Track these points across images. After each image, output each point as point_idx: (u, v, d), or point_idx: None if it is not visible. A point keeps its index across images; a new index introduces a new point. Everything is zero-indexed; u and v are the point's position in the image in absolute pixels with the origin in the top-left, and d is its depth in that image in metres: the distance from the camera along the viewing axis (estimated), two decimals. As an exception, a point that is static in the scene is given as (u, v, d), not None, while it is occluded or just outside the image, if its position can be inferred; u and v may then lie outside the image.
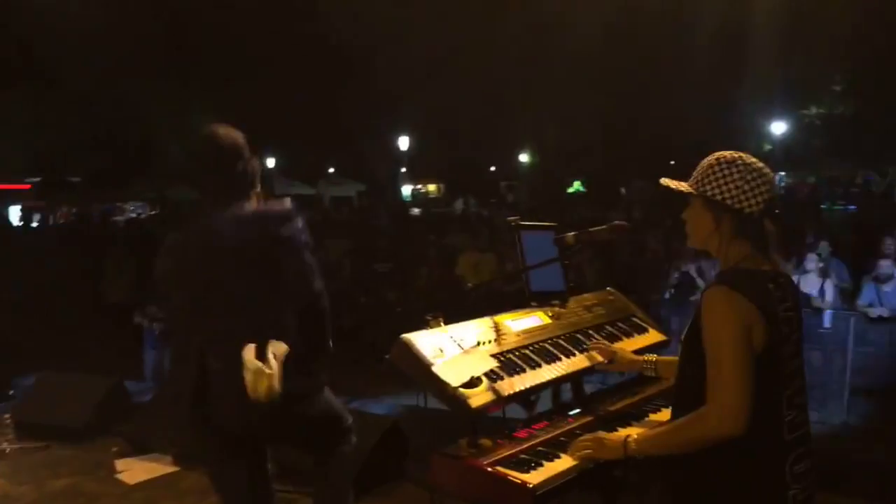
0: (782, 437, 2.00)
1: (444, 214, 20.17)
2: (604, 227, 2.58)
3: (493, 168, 35.34)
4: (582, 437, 2.27)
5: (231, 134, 2.78)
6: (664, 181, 2.20)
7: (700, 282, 8.14)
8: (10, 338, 6.21)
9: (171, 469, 4.97)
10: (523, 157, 32.46)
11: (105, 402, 5.68)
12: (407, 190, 31.27)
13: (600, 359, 2.69)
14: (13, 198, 22.52)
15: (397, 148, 28.05)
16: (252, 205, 2.75)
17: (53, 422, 5.56)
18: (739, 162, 2.08)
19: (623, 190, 27.06)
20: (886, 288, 7.28)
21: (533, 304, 2.88)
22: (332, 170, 30.67)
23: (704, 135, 21.56)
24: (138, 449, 5.24)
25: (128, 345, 7.73)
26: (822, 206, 16.35)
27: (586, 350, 2.73)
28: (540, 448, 2.30)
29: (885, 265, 7.32)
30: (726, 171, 2.07)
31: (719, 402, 1.93)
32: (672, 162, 28.48)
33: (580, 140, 25.58)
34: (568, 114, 23.20)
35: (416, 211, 21.25)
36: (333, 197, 26.07)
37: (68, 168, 23.33)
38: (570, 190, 31.19)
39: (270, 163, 28.87)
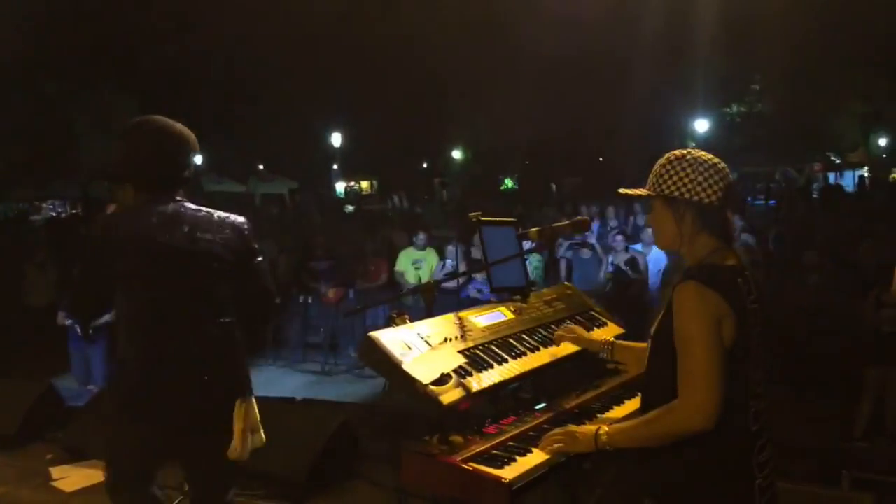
0: (749, 428, 2.06)
1: (378, 211, 20.10)
2: (566, 222, 2.61)
3: (424, 165, 35.37)
4: (553, 431, 2.29)
5: (178, 127, 2.79)
6: (622, 191, 2.26)
7: (632, 274, 8.37)
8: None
9: (110, 476, 4.79)
10: (456, 154, 32.60)
11: (36, 408, 5.43)
12: (340, 187, 30.99)
13: (574, 348, 2.71)
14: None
15: (330, 144, 27.74)
16: (186, 203, 2.78)
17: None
18: (689, 157, 2.13)
19: (554, 186, 27.52)
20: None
21: (493, 299, 2.90)
22: (261, 166, 30.09)
23: (633, 132, 22.15)
24: (74, 455, 5.05)
25: (54, 347, 7.42)
26: (745, 201, 17.00)
27: (550, 345, 2.76)
28: (511, 443, 2.32)
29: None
30: (678, 167, 2.13)
31: (689, 398, 1.97)
32: (601, 158, 29.16)
33: (511, 137, 25.86)
34: (499, 111, 23.40)
35: (349, 208, 21.07)
36: (264, 194, 25.61)
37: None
38: (503, 187, 31.53)
39: (198, 159, 28.15)
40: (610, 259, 8.59)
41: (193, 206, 2.77)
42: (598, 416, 2.56)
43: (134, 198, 2.78)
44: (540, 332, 2.82)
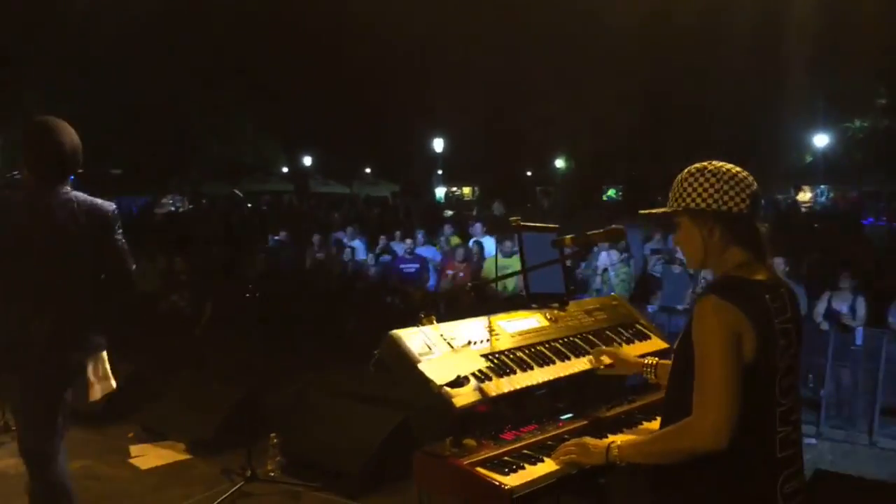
0: (774, 453, 1.94)
1: (476, 217, 20.09)
2: (600, 230, 2.55)
3: (528, 173, 35.22)
4: (567, 443, 2.24)
5: (66, 128, 3.30)
6: (644, 212, 2.18)
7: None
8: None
9: (183, 457, 5.05)
10: (559, 163, 32.28)
11: (124, 388, 5.76)
12: (441, 192, 31.32)
13: (608, 361, 2.64)
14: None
15: (432, 149, 28.11)
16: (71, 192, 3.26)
17: (72, 405, 5.66)
18: (711, 168, 2.05)
19: (660, 198, 26.75)
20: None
21: (532, 305, 2.86)
22: (368, 170, 30.87)
23: (745, 143, 21.23)
24: (154, 435, 5.33)
25: (150, 332, 7.86)
26: (864, 223, 15.95)
27: (584, 354, 2.69)
28: (525, 451, 2.28)
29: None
30: (700, 178, 2.04)
31: (702, 416, 1.89)
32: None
33: (615, 146, 25.37)
34: (604, 120, 23.02)
35: (448, 213, 21.24)
36: (367, 196, 26.24)
37: (111, 161, 23.90)
38: (605, 197, 30.95)
39: (307, 161, 29.19)
40: (702, 275, 8.27)
41: (66, 195, 3.24)
42: (625, 430, 2.48)
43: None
44: (574, 342, 2.76)
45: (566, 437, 2.37)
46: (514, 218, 2.84)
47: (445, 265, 10.35)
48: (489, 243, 11.23)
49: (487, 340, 2.54)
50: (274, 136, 26.21)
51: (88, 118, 21.37)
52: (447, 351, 2.41)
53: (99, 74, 18.87)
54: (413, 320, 2.52)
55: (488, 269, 9.44)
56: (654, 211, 2.14)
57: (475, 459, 2.18)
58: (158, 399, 5.68)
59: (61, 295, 3.20)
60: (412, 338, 2.40)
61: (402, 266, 10.67)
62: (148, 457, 5.04)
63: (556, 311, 2.85)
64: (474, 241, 11.12)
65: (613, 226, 2.58)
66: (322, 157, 29.02)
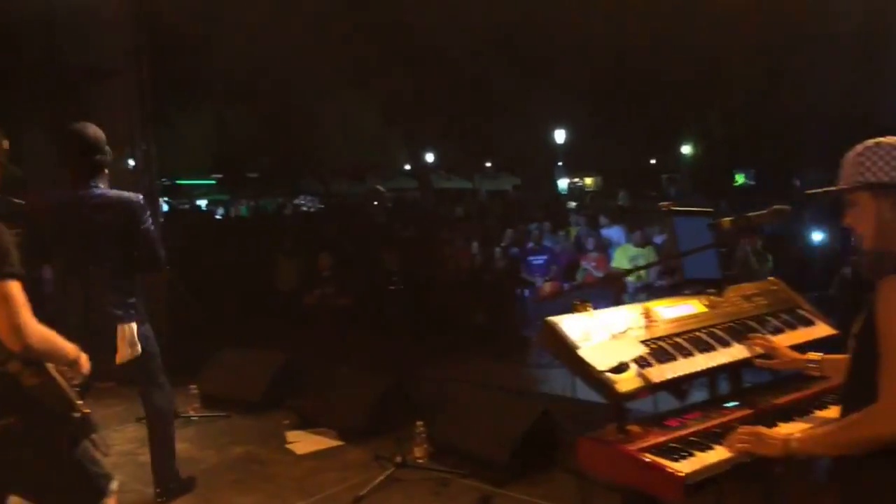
0: None
1: (599, 207, 19.79)
2: (763, 211, 2.47)
3: (652, 161, 34.20)
4: (740, 430, 2.19)
5: (95, 131, 3.87)
6: (811, 193, 2.11)
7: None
8: (197, 317, 6.84)
9: (336, 443, 5.30)
10: (685, 150, 31.14)
11: (277, 378, 6.13)
12: (563, 183, 31.00)
13: (759, 351, 2.58)
14: (201, 192, 24.83)
15: (553, 141, 27.86)
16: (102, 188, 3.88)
17: (233, 394, 6.10)
18: (885, 143, 1.97)
19: (797, 182, 25.26)
20: None
21: (686, 291, 2.82)
22: (488, 164, 30.98)
23: (891, 116, 19.66)
24: (307, 422, 5.63)
25: (297, 325, 8.30)
26: None
27: (744, 341, 2.63)
28: (692, 438, 2.26)
29: None
30: (879, 152, 1.95)
31: (892, 398, 1.81)
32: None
33: (747, 129, 24.16)
34: (734, 101, 21.98)
35: (572, 204, 21.01)
36: (488, 191, 26.38)
37: (247, 165, 25.31)
38: (736, 183, 29.55)
39: (430, 157, 29.63)
40: None
41: (97, 190, 3.85)
42: (796, 418, 2.40)
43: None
44: (734, 328, 2.69)
45: (734, 424, 2.32)
46: (665, 203, 2.80)
47: (576, 257, 10.26)
48: (617, 233, 11.05)
49: (645, 327, 2.53)
50: (396, 133, 26.85)
51: (228, 125, 22.76)
52: (607, 337, 2.42)
53: (235, 85, 19.98)
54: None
55: (618, 259, 9.29)
56: (828, 189, 2.06)
57: (643, 446, 2.18)
58: (310, 388, 5.98)
59: (96, 275, 3.83)
60: (570, 324, 2.42)
61: (529, 258, 10.67)
62: (303, 442, 5.32)
63: (713, 297, 2.79)
64: (601, 231, 10.98)
65: (776, 206, 2.49)
66: (443, 152, 29.40)
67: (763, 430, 2.17)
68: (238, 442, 5.42)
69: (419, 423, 4.98)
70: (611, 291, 6.09)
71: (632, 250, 9.14)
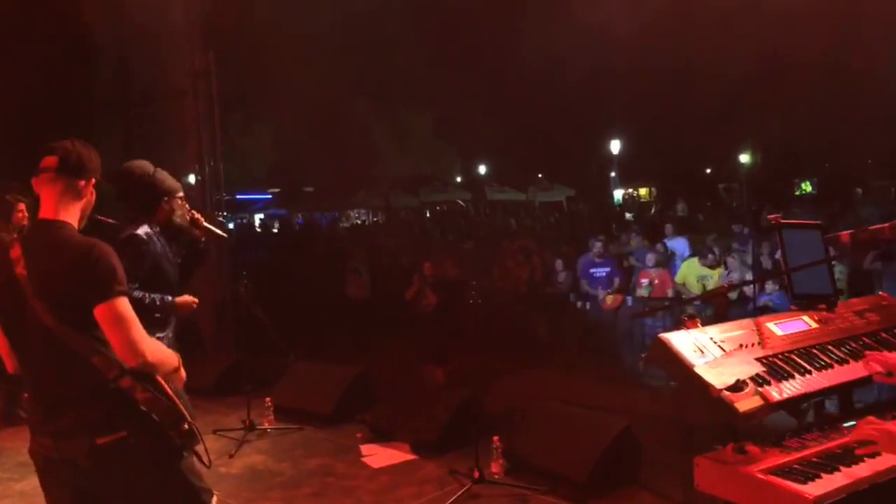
0: None
1: (655, 218, 19.50)
2: (885, 225, 2.38)
3: (708, 170, 33.60)
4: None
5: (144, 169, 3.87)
6: None
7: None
8: (268, 331, 6.90)
9: (410, 457, 5.27)
10: (743, 158, 30.50)
11: (349, 392, 6.16)
12: (618, 194, 30.67)
13: (878, 369, 2.47)
14: (258, 207, 25.32)
15: (608, 151, 27.60)
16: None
17: (306, 406, 6.14)
18: None
19: (860, 191, 24.51)
20: None
21: (794, 307, 2.73)
22: (540, 175, 30.86)
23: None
24: (380, 435, 5.62)
25: (367, 338, 8.34)
26: None
27: (860, 359, 2.53)
28: (814, 459, 2.18)
29: None
30: None
31: None
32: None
33: (809, 137, 23.56)
34: (795, 109, 21.46)
35: (628, 216, 20.75)
36: (542, 202, 26.21)
37: (303, 179, 25.70)
38: (798, 192, 28.81)
39: (482, 169, 29.68)
40: None
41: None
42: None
43: None
44: (849, 345, 2.59)
45: (855, 445, 2.23)
46: (774, 215, 2.72)
47: (638, 272, 10.07)
48: (681, 245, 10.81)
49: (758, 343, 2.45)
50: (450, 145, 26.95)
51: (284, 139, 23.17)
52: (719, 354, 2.35)
53: (292, 100, 20.34)
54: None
55: (685, 272, 9.08)
56: None
57: (765, 467, 2.11)
58: (383, 402, 5.99)
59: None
60: (682, 341, 2.36)
61: (591, 270, 10.54)
62: (378, 456, 5.32)
63: (823, 313, 2.69)
64: (663, 244, 10.74)
65: (897, 220, 2.39)
66: (497, 164, 29.40)
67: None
68: (313, 455, 5.44)
69: (495, 437, 4.93)
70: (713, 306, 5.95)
71: (700, 269, 8.89)
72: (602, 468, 4.56)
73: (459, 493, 4.55)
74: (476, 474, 4.70)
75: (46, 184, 2.35)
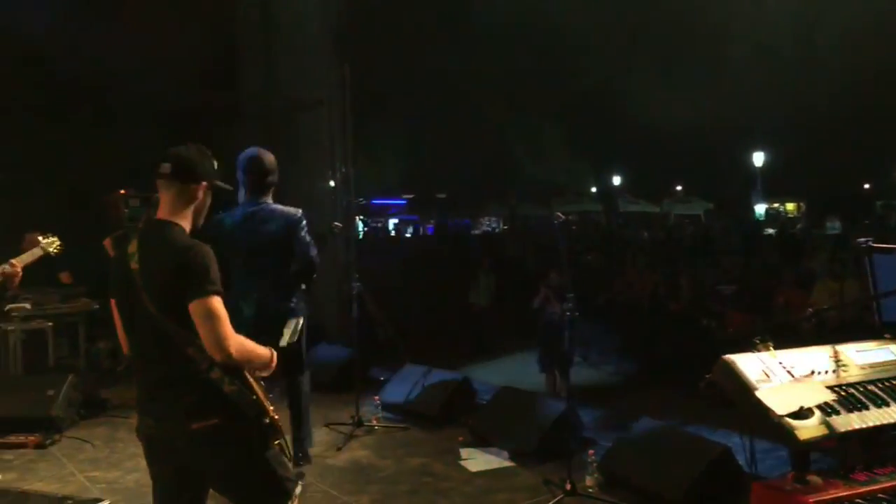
0: None
1: (802, 236, 18.39)
2: None
3: (866, 185, 31.20)
4: None
5: (271, 158, 4.64)
6: None
7: None
8: (385, 332, 7.21)
9: (508, 463, 5.35)
10: (906, 174, 28.12)
11: (454, 395, 6.33)
12: (761, 209, 29.13)
13: None
14: (392, 211, 26.19)
15: (751, 164, 26.28)
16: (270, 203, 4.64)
17: (412, 407, 6.37)
18: None
19: None
20: None
21: (886, 335, 2.59)
22: (679, 188, 29.89)
23: None
24: (479, 441, 5.74)
25: (479, 345, 8.48)
26: None
27: (950, 394, 2.38)
28: (881, 495, 2.09)
29: None
30: None
31: None
32: None
33: None
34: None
35: (769, 231, 19.71)
36: (678, 215, 25.39)
37: (436, 185, 26.31)
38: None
39: (616, 180, 29.14)
40: None
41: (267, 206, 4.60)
42: None
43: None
44: (939, 379, 2.44)
45: (932, 485, 2.12)
46: (863, 238, 2.60)
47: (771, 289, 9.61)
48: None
49: (833, 371, 2.37)
50: (584, 155, 26.67)
51: (420, 146, 23.85)
52: (787, 380, 2.30)
53: (428, 108, 20.93)
54: (732, 346, 2.44)
55: (819, 294, 8.56)
56: None
57: (822, 498, 2.05)
58: (486, 408, 6.11)
59: (267, 276, 4.53)
60: (748, 363, 2.33)
61: (718, 287, 10.17)
62: (476, 460, 5.43)
63: (915, 343, 2.55)
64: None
65: None
66: (631, 175, 28.77)
67: None
68: (415, 454, 5.64)
69: (591, 451, 4.92)
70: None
71: (834, 286, 8.39)
72: (697, 490, 4.45)
73: (550, 503, 4.58)
74: (568, 486, 4.71)
75: (163, 188, 2.64)
